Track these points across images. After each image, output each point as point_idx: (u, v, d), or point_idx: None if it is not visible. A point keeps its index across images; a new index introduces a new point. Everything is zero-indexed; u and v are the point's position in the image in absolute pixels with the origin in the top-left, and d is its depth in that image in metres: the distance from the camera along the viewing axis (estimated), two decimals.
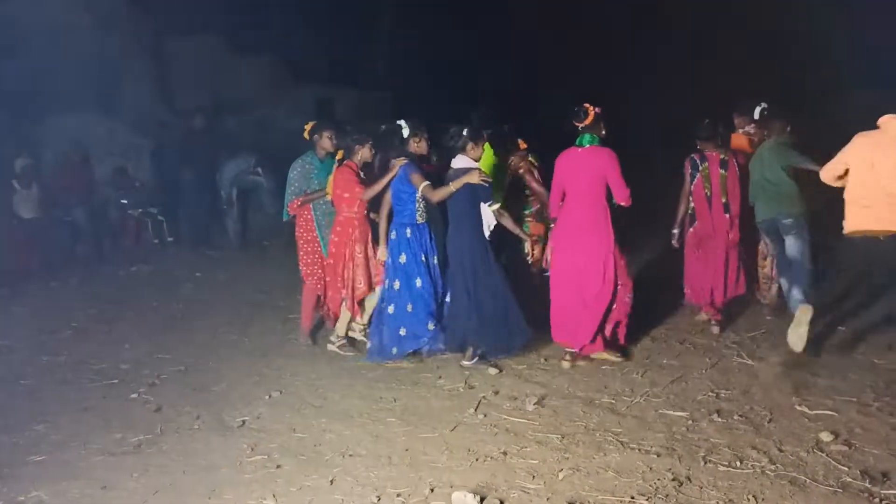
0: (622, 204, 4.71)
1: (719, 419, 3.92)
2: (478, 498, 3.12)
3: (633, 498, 3.13)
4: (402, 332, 4.89)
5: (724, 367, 4.70)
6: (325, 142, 5.47)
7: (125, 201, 9.07)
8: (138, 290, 7.30)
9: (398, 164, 4.91)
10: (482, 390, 4.45)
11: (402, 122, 5.06)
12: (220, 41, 11.16)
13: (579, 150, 4.75)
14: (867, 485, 3.17)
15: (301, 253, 5.44)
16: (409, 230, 4.93)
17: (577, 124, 4.76)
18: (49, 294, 7.14)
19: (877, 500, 3.05)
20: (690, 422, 3.90)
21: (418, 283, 4.90)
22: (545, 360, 4.96)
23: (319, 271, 5.37)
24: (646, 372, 4.65)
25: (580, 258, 4.70)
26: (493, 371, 4.74)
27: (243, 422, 4.12)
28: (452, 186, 4.71)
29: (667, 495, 3.14)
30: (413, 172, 4.84)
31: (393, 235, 4.98)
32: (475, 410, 4.15)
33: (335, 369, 4.94)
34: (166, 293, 7.12)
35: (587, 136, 4.73)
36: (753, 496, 3.10)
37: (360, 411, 4.21)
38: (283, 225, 9.40)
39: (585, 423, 3.94)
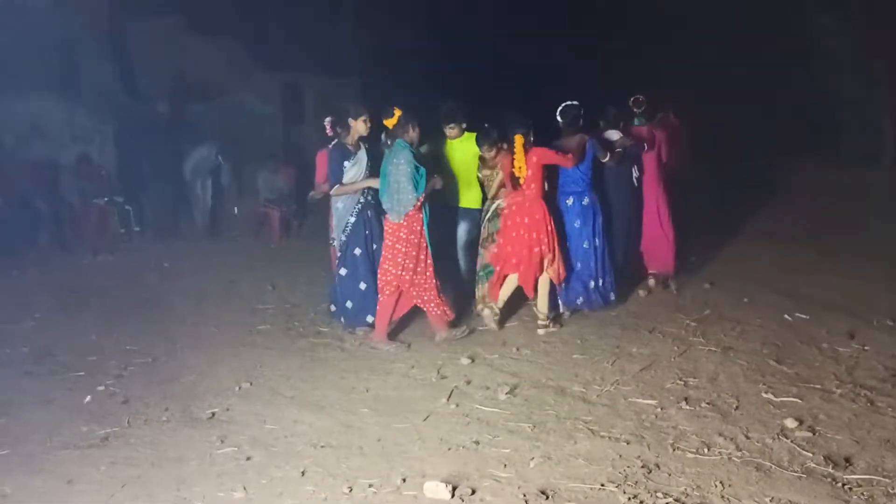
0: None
1: (687, 407, 3.98)
2: (450, 487, 3.14)
3: (602, 485, 3.17)
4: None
5: (691, 355, 4.78)
6: (412, 133, 5.10)
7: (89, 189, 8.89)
8: (103, 280, 7.17)
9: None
10: (454, 380, 4.46)
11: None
12: (183, 23, 10.92)
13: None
14: (830, 470, 3.26)
15: (390, 258, 5.05)
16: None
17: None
18: (9, 284, 6.97)
19: (839, 484, 3.14)
20: (659, 409, 3.97)
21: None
22: (517, 349, 4.99)
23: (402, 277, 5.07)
24: (616, 360, 4.71)
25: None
26: (465, 361, 4.76)
27: (213, 413, 4.08)
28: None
29: (636, 482, 3.19)
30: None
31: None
32: (447, 400, 4.17)
33: (306, 360, 4.92)
34: (132, 283, 7.02)
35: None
36: (720, 482, 3.17)
37: (331, 402, 4.20)
38: (251, 216, 9.45)
39: (556, 411, 3.98)
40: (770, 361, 4.60)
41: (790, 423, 3.70)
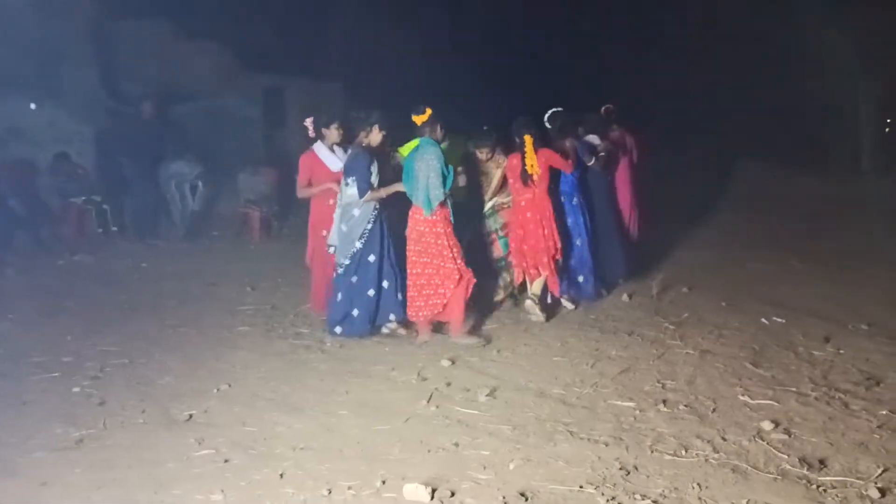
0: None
1: (665, 409, 4.01)
2: (430, 489, 3.13)
3: (581, 487, 3.19)
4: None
5: (670, 358, 4.82)
6: (439, 132, 5.23)
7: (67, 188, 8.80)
8: (80, 280, 7.09)
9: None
10: (435, 382, 4.46)
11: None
12: (167, 26, 10.85)
13: None
14: (805, 472, 3.29)
15: (436, 253, 5.11)
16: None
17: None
18: None
19: (814, 486, 3.17)
20: (638, 412, 3.99)
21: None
22: (498, 352, 5.00)
23: None
24: (595, 363, 4.74)
25: None
26: (446, 363, 4.76)
27: (191, 415, 4.04)
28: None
29: (614, 484, 3.21)
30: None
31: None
32: (428, 402, 4.16)
33: (286, 362, 4.89)
34: (110, 284, 6.94)
35: None
36: (697, 484, 3.19)
37: (311, 404, 4.18)
38: (231, 216, 9.40)
39: (536, 413, 3.99)
40: (747, 365, 4.65)
41: (766, 426, 3.74)
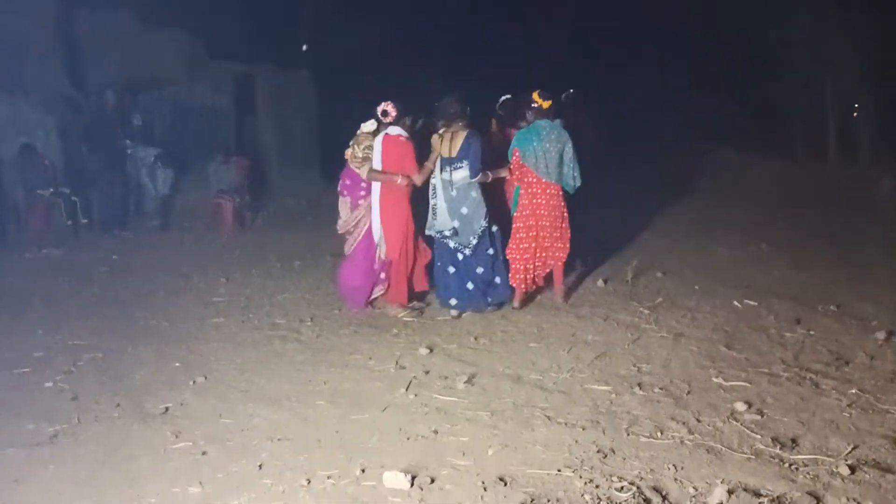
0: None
1: (641, 392, 4.06)
2: (409, 477, 3.14)
3: (559, 470, 3.21)
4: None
5: (644, 342, 4.87)
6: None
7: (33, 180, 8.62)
8: (50, 274, 6.97)
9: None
10: (413, 370, 4.46)
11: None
12: (131, 15, 10.65)
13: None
14: (778, 451, 3.35)
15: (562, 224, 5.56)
16: None
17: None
18: None
19: (787, 464, 3.23)
20: (614, 395, 4.03)
21: None
22: (475, 339, 5.02)
23: None
24: (571, 348, 4.77)
25: None
26: (423, 351, 4.76)
27: (166, 409, 4.00)
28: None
29: (592, 467, 3.24)
30: None
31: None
32: (406, 390, 4.16)
33: (262, 353, 4.86)
34: (80, 277, 6.83)
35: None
36: (673, 465, 3.23)
37: (288, 395, 4.16)
38: (202, 207, 9.28)
39: (514, 399, 4.01)
40: (720, 347, 4.71)
41: (740, 407, 3.80)
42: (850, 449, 3.34)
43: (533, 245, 5.55)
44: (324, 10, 13.09)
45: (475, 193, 5.41)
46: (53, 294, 6.29)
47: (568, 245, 5.57)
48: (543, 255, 5.58)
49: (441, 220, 5.47)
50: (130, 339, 5.12)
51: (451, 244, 5.47)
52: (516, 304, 5.58)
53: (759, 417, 3.70)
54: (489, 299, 5.56)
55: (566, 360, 4.59)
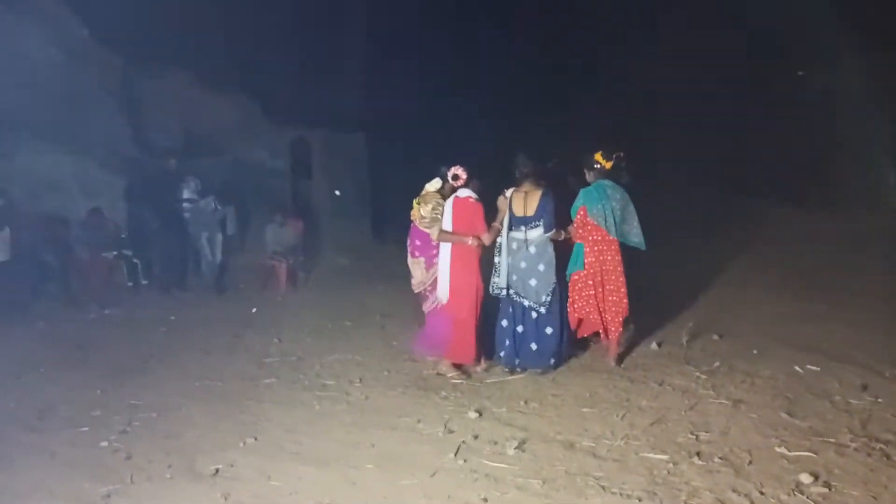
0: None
1: (700, 462, 3.91)
2: None
3: None
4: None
5: (702, 408, 4.71)
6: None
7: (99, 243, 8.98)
8: (110, 333, 7.17)
9: None
10: (462, 434, 4.40)
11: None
12: (192, 78, 11.17)
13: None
14: None
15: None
16: None
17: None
18: (16, 337, 6.96)
19: None
20: (671, 465, 3.89)
21: None
22: (525, 402, 4.93)
23: None
24: (625, 414, 4.64)
25: None
26: (473, 415, 4.70)
27: (216, 470, 4.02)
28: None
29: None
30: None
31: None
32: (455, 455, 4.10)
33: (311, 414, 4.86)
34: (139, 337, 7.00)
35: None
36: None
37: (336, 457, 4.14)
38: (257, 268, 9.49)
39: (566, 466, 3.91)
40: (782, 414, 4.52)
41: (805, 479, 3.62)
42: None
43: (598, 298, 5.59)
44: (374, 68, 13.52)
45: (551, 251, 5.49)
46: (112, 353, 6.46)
47: (627, 306, 5.57)
48: (607, 308, 5.62)
49: (502, 278, 5.55)
50: (185, 398, 5.19)
51: (526, 303, 5.51)
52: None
53: (826, 490, 3.52)
54: (552, 360, 5.53)
55: (620, 426, 4.46)
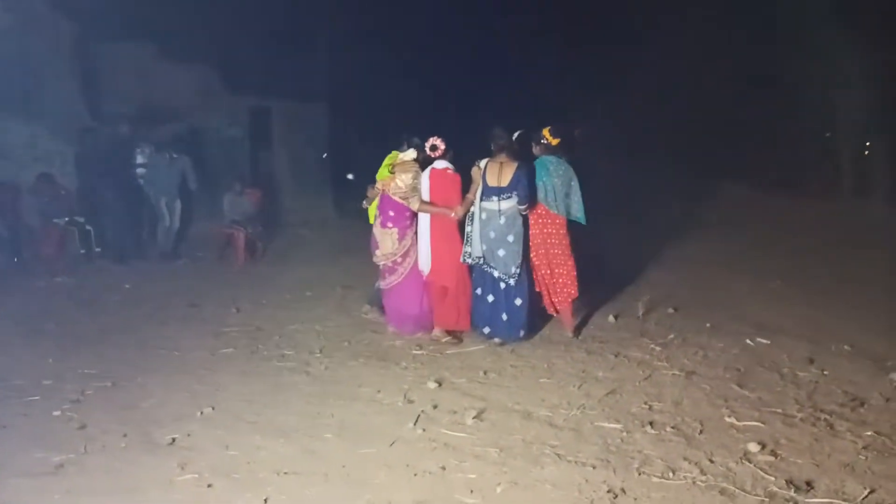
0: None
1: (652, 431, 4.00)
2: None
3: None
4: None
5: (656, 379, 4.82)
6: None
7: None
8: (62, 302, 7.01)
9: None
10: (421, 405, 4.43)
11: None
12: (149, 48, 10.84)
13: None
14: (792, 493, 3.29)
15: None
16: None
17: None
18: None
19: None
20: (625, 433, 3.98)
21: None
22: (485, 373, 4.98)
23: None
24: (582, 385, 4.73)
25: None
26: (432, 385, 4.73)
27: (173, 440, 3.98)
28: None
29: None
30: None
31: None
32: (414, 425, 4.13)
33: (270, 385, 4.84)
34: (92, 306, 6.86)
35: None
36: None
37: (295, 427, 4.13)
38: (215, 237, 9.35)
39: (523, 436, 3.97)
40: (733, 386, 4.65)
41: (753, 448, 3.74)
42: (866, 493, 3.27)
43: (547, 272, 5.67)
44: (337, 41, 13.30)
45: (520, 223, 5.53)
46: (64, 322, 6.32)
47: (576, 283, 5.64)
48: (555, 282, 5.68)
49: (475, 248, 5.58)
50: (140, 368, 5.12)
51: (496, 273, 5.54)
52: (569, 330, 5.78)
53: (772, 459, 3.64)
54: (521, 332, 5.59)
55: (576, 396, 4.54)
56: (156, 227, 9.19)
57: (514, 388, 4.70)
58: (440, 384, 4.76)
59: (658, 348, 5.43)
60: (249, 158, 11.49)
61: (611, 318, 6.18)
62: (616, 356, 5.28)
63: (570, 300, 5.69)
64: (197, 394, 4.66)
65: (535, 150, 5.76)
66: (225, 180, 9.76)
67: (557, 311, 5.78)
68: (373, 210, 6.06)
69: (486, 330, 5.60)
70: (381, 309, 6.11)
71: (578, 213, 5.69)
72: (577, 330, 5.82)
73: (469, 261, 5.64)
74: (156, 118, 9.87)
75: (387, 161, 6.03)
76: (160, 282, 7.89)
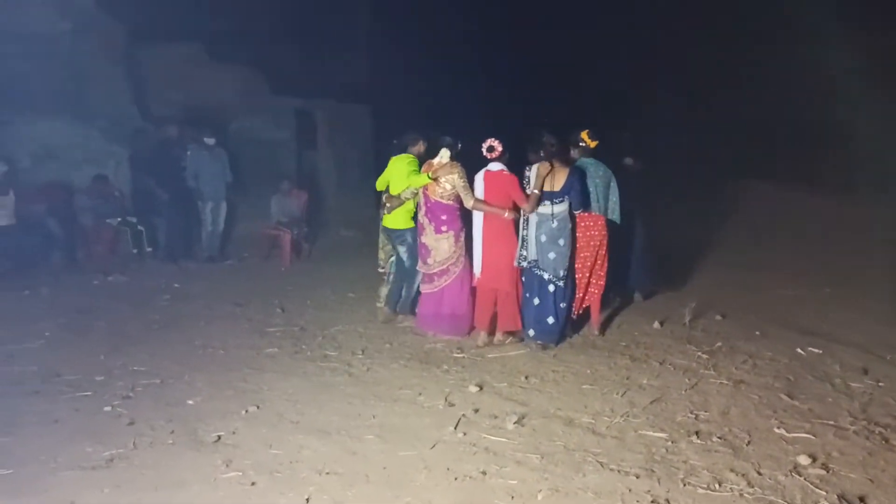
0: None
1: (698, 441, 3.92)
2: None
3: None
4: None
5: (702, 388, 4.72)
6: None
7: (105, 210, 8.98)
8: (114, 300, 7.18)
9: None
10: (462, 408, 4.42)
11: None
12: (197, 49, 11.06)
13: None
14: None
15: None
16: None
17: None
18: (20, 304, 6.98)
19: None
20: (670, 443, 3.91)
21: None
22: (526, 378, 4.94)
23: None
24: (625, 392, 4.65)
25: None
26: (473, 389, 4.71)
27: (218, 437, 4.04)
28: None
29: None
30: None
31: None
32: (455, 428, 4.12)
33: (313, 384, 4.88)
34: (142, 304, 7.02)
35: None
36: None
37: (337, 428, 4.16)
38: (262, 238, 9.49)
39: (565, 442, 3.93)
40: (782, 396, 4.53)
41: (803, 460, 3.63)
42: None
43: (588, 275, 5.72)
44: (380, 43, 13.41)
45: (571, 227, 5.56)
46: (116, 319, 6.48)
47: (604, 279, 5.77)
48: (591, 282, 5.80)
49: (530, 251, 5.59)
50: (187, 366, 5.21)
51: (546, 276, 5.54)
52: (595, 328, 5.89)
53: (824, 472, 3.53)
54: (564, 335, 5.67)
55: (620, 403, 4.48)
56: (201, 231, 9.33)
57: (556, 394, 4.66)
58: (481, 388, 4.74)
59: (705, 356, 5.33)
60: (295, 160, 11.61)
61: (656, 324, 6.09)
62: (661, 363, 5.19)
63: (599, 293, 5.80)
64: (242, 392, 4.73)
65: (574, 153, 5.83)
66: (271, 182, 9.88)
67: (578, 314, 5.84)
68: (400, 217, 6.11)
69: (531, 332, 5.59)
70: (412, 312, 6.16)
71: (615, 213, 5.87)
72: (603, 328, 5.89)
73: (524, 264, 5.63)
74: (203, 120, 10.05)
75: (395, 168, 6.12)
76: (208, 282, 8.03)
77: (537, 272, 5.57)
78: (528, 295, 5.65)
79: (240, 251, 9.57)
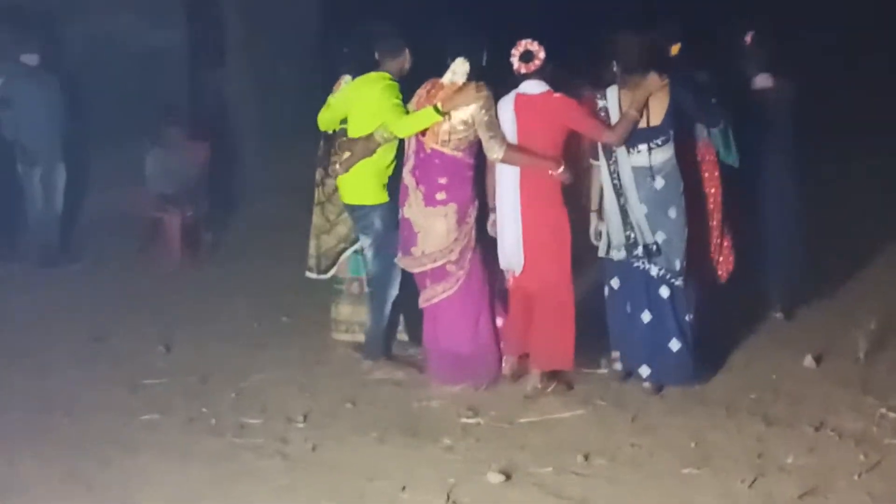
0: None
1: None
2: None
3: None
4: None
5: (888, 469, 4.74)
6: None
7: None
8: None
9: None
10: None
11: None
12: None
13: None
14: None
15: None
16: None
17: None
18: None
19: None
20: None
21: None
22: (586, 457, 4.95)
23: None
24: (757, 479, 4.65)
25: None
26: (495, 478, 4.71)
27: None
28: None
29: None
30: None
31: None
32: None
33: (221, 474, 4.89)
34: None
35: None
36: None
37: None
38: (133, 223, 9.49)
39: None
40: None
41: None
42: None
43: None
44: None
45: (682, 188, 5.69)
46: None
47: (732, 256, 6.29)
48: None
49: (615, 233, 5.68)
50: (5, 447, 5.19)
51: (654, 271, 5.61)
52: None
53: None
54: (700, 370, 5.83)
55: (748, 499, 4.48)
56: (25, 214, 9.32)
57: (636, 486, 4.67)
58: (509, 476, 4.74)
59: (892, 414, 5.36)
60: (188, 86, 11.59)
61: (808, 361, 6.15)
62: (817, 429, 5.22)
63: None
64: (97, 487, 4.71)
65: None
66: (146, 127, 9.84)
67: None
68: (364, 181, 6.11)
69: (645, 371, 5.68)
70: (388, 354, 6.34)
71: (729, 153, 6.17)
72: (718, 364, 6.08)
73: (614, 256, 5.72)
74: (21, 21, 9.97)
75: (339, 95, 6.29)
76: (43, 299, 8.07)
77: (640, 266, 5.62)
78: (627, 309, 5.71)
79: (95, 246, 9.58)
